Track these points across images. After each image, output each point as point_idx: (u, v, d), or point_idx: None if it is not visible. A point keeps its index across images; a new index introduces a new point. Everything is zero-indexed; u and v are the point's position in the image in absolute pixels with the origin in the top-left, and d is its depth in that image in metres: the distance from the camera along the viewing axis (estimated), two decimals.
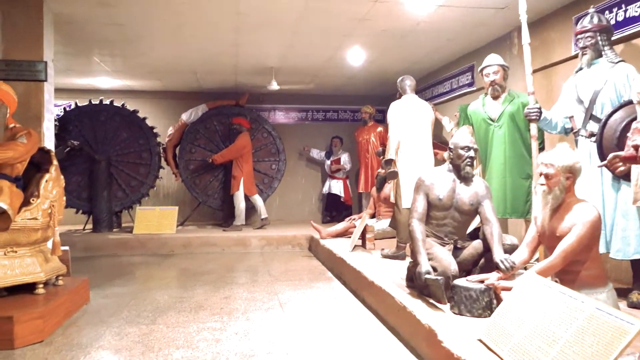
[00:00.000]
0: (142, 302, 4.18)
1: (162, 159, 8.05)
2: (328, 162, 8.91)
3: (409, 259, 4.01)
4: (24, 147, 3.58)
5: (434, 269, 3.20)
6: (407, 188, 4.85)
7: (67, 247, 4.61)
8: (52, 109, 4.41)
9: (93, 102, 7.71)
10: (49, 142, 4.29)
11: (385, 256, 5.00)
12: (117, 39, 5.72)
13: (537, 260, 3.65)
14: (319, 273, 5.47)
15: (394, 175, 4.86)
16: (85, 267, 5.86)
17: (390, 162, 4.91)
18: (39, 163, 4.00)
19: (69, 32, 5.40)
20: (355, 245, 5.64)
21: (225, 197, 8.10)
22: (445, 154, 5.87)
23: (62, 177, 3.96)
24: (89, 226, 7.62)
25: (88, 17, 4.89)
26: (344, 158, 8.82)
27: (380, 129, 8.15)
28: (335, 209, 8.88)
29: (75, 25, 5.17)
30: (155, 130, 7.98)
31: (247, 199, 7.81)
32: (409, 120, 4.93)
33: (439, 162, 5.15)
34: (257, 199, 7.88)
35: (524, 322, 2.27)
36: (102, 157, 7.47)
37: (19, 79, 4.17)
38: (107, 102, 7.74)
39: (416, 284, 3.39)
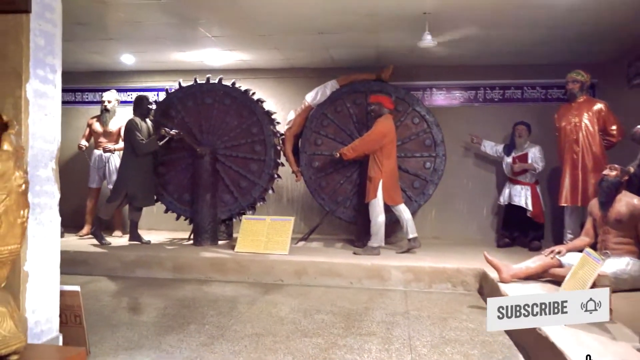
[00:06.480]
0: None
1: (282, 153, 6.24)
2: (508, 159, 6.16)
3: None
4: None
5: None
6: None
7: (77, 288, 2.91)
8: (50, 61, 2.68)
9: (198, 82, 6.18)
10: (38, 116, 2.57)
11: None
12: None
13: None
14: (503, 357, 2.99)
15: None
16: (154, 299, 4.27)
17: None
18: None
19: None
20: None
21: (360, 206, 5.94)
22: None
23: (17, 173, 2.16)
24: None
25: None
26: (534, 153, 6.02)
27: (599, 106, 5.23)
28: (518, 228, 6.11)
29: None
30: (273, 117, 6.19)
31: (389, 209, 5.53)
32: None
33: None
34: (403, 210, 5.53)
35: None
36: (204, 150, 5.88)
37: None
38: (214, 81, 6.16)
39: None
